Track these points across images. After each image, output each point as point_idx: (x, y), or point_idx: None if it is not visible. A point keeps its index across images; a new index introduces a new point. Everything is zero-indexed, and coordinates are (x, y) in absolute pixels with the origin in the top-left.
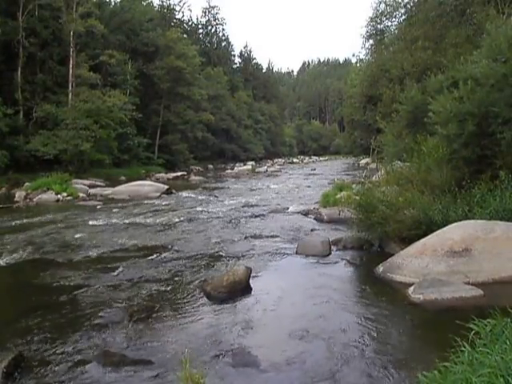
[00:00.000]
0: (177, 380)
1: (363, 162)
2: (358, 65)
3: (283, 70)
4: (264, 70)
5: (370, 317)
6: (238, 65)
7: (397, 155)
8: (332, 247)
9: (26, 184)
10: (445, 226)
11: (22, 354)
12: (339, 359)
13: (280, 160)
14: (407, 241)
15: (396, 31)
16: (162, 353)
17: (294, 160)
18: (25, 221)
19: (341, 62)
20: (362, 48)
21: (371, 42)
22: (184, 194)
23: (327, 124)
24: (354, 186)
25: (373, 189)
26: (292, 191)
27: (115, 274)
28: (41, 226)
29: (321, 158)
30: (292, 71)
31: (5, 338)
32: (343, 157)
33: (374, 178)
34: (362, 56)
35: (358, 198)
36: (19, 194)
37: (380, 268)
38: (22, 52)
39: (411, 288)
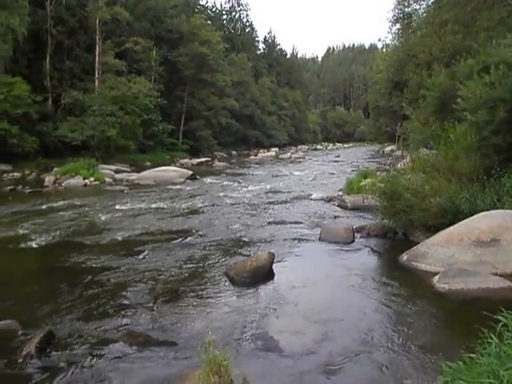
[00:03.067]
0: (200, 362)
1: (388, 149)
2: (384, 50)
3: (307, 56)
4: (288, 56)
5: (393, 305)
6: (261, 51)
7: (423, 142)
8: (355, 234)
9: (55, 169)
10: (472, 215)
11: (52, 331)
12: (362, 346)
13: (304, 147)
14: (432, 229)
15: (424, 14)
16: (186, 335)
17: (318, 147)
18: (54, 204)
19: (366, 47)
20: (388, 32)
21: (398, 26)
22: (208, 179)
23: (352, 110)
24: (378, 173)
25: (398, 176)
26: (315, 178)
27: (141, 257)
28: (69, 210)
29: (345, 145)
30: (316, 57)
31: (37, 316)
32: (368, 144)
33: (399, 166)
34: (388, 41)
35: (382, 185)
36: (48, 179)
37: (404, 256)
38: (50, 40)
39: (436, 277)
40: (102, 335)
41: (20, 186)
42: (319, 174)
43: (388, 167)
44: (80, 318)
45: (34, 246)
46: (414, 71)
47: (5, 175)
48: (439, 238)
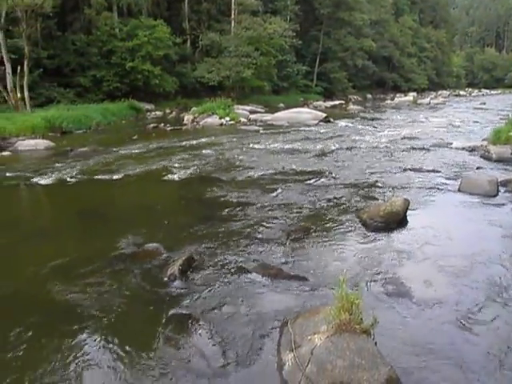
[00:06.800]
0: (332, 297)
1: None
2: None
3: None
4: None
5: None
6: None
7: None
8: (500, 188)
9: (193, 108)
10: None
11: (192, 256)
12: (496, 304)
13: (445, 92)
14: None
15: None
16: (316, 271)
17: (461, 92)
18: (193, 142)
19: None
20: None
21: None
22: (341, 122)
23: (504, 52)
24: None
25: None
26: (457, 126)
27: (274, 194)
28: (207, 147)
29: (492, 92)
30: None
31: (179, 242)
32: None
33: None
34: None
35: None
36: (187, 118)
37: None
38: None
39: None
40: (237, 264)
41: (162, 124)
42: (461, 122)
43: None
44: (217, 246)
45: (176, 178)
46: None
47: (148, 114)
48: None
